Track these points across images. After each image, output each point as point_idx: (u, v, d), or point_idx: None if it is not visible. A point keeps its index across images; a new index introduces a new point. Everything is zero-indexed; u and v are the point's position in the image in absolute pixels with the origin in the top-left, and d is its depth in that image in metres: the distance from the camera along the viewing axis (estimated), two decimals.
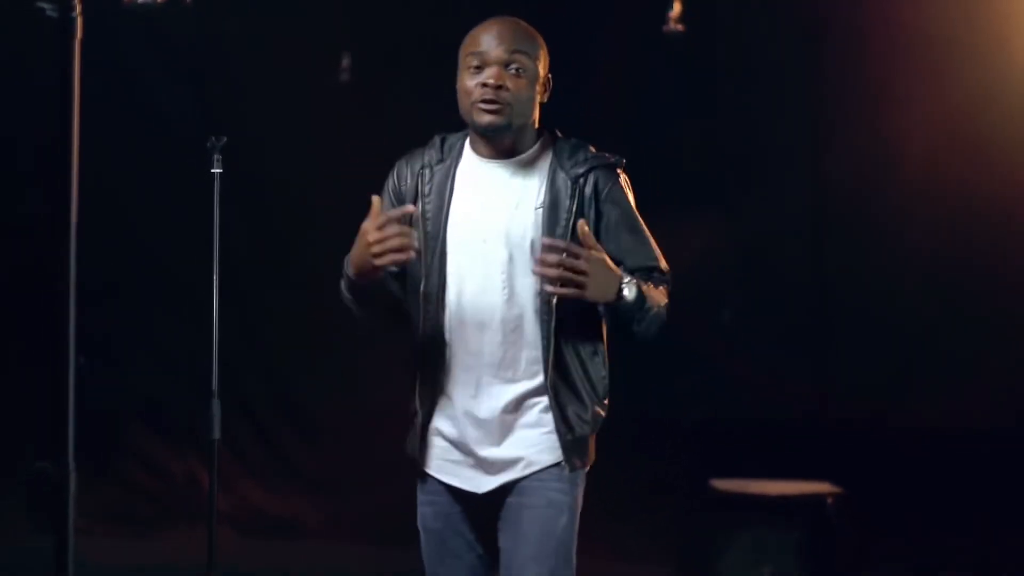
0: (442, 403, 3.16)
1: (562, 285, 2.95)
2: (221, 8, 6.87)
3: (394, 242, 2.92)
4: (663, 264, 3.15)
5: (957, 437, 6.37)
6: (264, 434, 7.23)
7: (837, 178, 6.73)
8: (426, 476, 3.23)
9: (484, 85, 3.04)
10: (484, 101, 3.04)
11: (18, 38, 5.46)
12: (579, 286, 2.94)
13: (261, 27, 6.91)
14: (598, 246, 2.98)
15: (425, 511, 3.25)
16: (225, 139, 4.19)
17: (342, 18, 7.00)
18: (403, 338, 3.29)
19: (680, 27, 6.30)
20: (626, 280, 2.99)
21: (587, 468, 3.19)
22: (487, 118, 3.05)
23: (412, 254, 2.98)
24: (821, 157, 6.76)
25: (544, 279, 2.99)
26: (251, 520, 6.89)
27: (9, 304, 6.85)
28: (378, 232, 2.94)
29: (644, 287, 3.03)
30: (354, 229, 3.07)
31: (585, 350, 3.14)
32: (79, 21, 2.38)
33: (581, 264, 2.92)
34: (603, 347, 3.17)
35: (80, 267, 2.40)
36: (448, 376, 3.13)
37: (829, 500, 5.43)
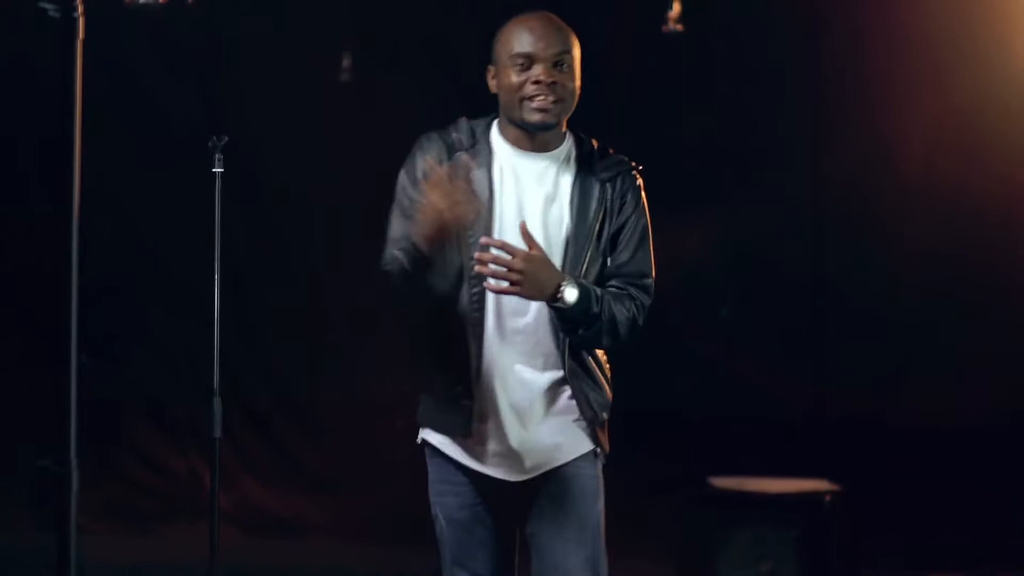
0: (477, 389, 3.15)
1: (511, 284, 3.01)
2: (222, 8, 6.88)
3: (464, 196, 2.97)
4: (650, 278, 3.21)
5: (954, 435, 6.37)
6: (265, 432, 7.24)
7: (835, 177, 6.73)
8: (446, 465, 3.23)
9: (536, 82, 3.08)
10: (536, 97, 3.07)
11: (21, 38, 5.48)
12: (514, 283, 2.99)
13: (262, 27, 6.92)
14: (538, 245, 3.03)
15: (448, 501, 3.23)
16: (226, 138, 4.20)
17: (343, 18, 7.02)
18: (411, 325, 3.26)
19: (679, 27, 6.30)
20: (567, 283, 3.02)
21: (600, 445, 3.24)
22: (538, 116, 3.09)
23: (480, 209, 3.05)
24: (820, 157, 6.76)
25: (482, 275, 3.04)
26: (253, 518, 6.90)
27: (13, 303, 6.86)
28: (448, 190, 2.95)
29: (598, 294, 3.08)
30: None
31: None
32: (81, 21, 2.39)
33: (516, 263, 2.98)
34: None
35: (82, 266, 2.40)
36: (484, 362, 3.13)
37: (827, 498, 5.42)
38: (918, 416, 6.43)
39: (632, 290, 3.17)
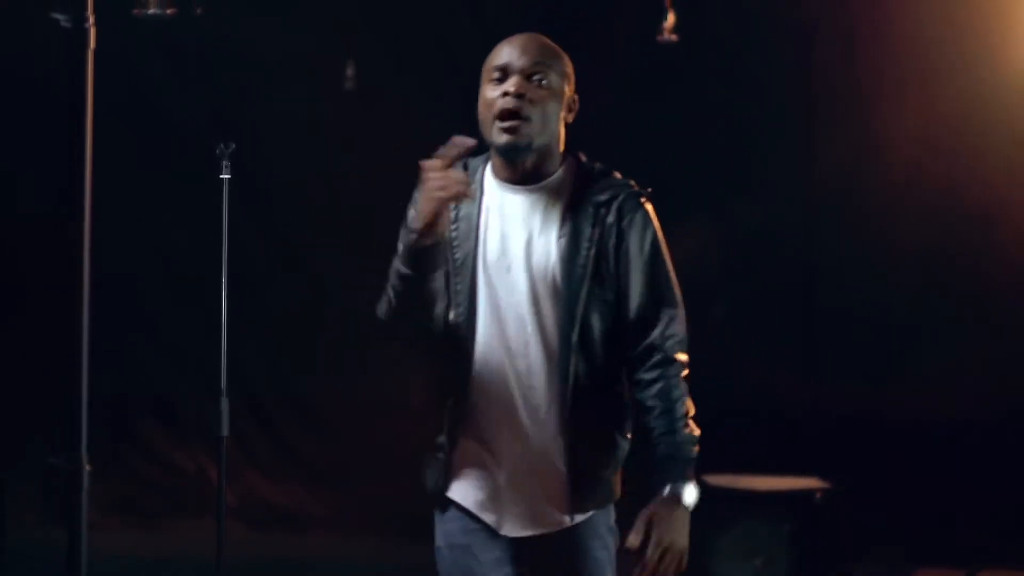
0: (470, 438, 2.93)
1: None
2: (230, 19, 6.95)
3: (459, 176, 2.76)
4: (673, 310, 2.95)
5: (945, 430, 6.42)
6: (271, 429, 7.31)
7: (828, 180, 6.78)
8: (449, 502, 2.98)
9: (505, 94, 2.83)
10: (505, 112, 2.82)
11: (34, 48, 5.58)
12: (677, 566, 2.82)
13: (268, 36, 7.00)
14: (651, 516, 2.80)
15: (451, 527, 2.97)
16: (234, 145, 4.32)
17: (349, 26, 7.09)
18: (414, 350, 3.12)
19: (674, 37, 6.35)
20: (685, 500, 2.84)
21: (612, 502, 3.03)
22: (505, 138, 2.84)
23: (473, 194, 2.85)
24: (812, 160, 6.81)
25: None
26: (258, 513, 6.97)
27: (23, 302, 6.95)
28: (442, 172, 2.74)
29: (688, 458, 2.88)
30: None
31: (608, 380, 2.95)
32: (92, 31, 2.44)
33: (667, 569, 2.80)
34: (624, 375, 2.97)
35: (93, 267, 2.46)
36: (475, 411, 2.91)
37: (818, 494, 5.45)
38: (908, 412, 6.46)
39: (661, 357, 2.89)
